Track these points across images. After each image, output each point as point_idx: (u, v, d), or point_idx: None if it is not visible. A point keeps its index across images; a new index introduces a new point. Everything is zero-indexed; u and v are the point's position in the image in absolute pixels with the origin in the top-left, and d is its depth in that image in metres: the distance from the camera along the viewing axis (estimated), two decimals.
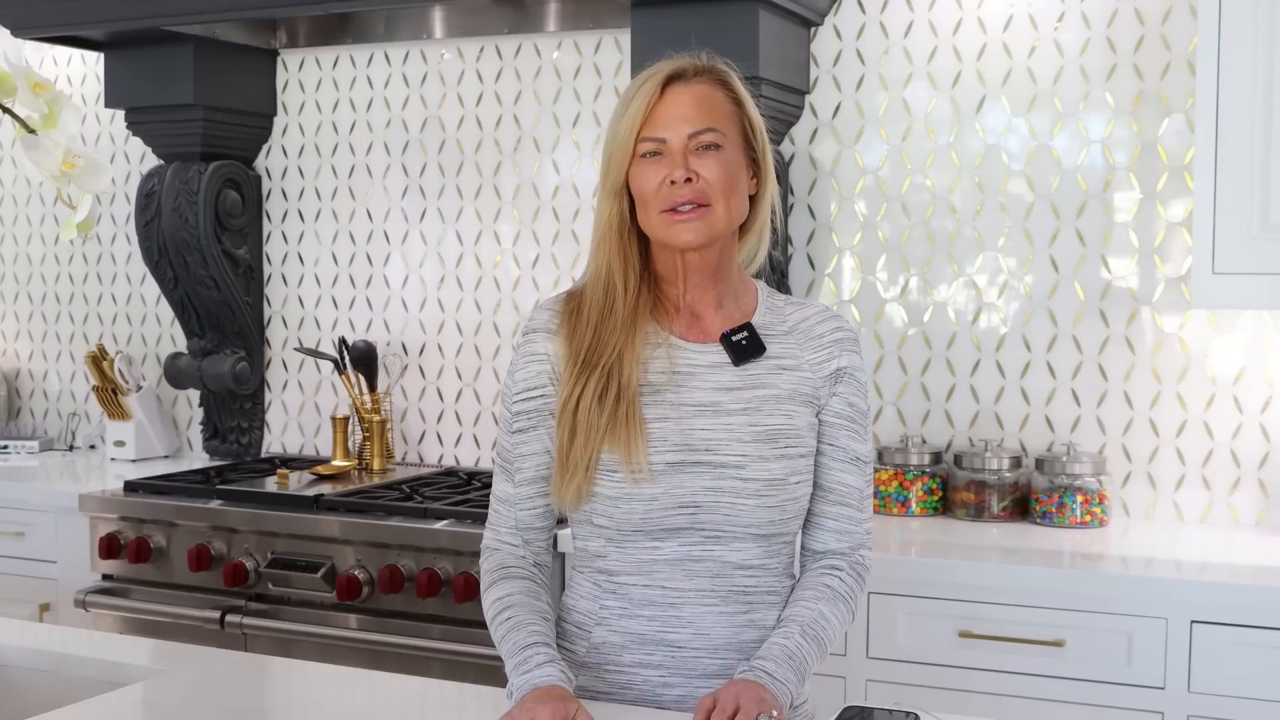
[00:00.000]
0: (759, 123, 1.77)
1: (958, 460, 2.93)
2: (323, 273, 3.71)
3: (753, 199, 1.78)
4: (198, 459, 3.80)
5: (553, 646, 1.68)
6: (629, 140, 1.71)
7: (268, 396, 3.78)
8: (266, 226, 3.77)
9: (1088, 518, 2.79)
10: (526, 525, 1.80)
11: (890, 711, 1.58)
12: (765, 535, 1.73)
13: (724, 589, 1.73)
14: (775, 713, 1.55)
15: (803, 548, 1.84)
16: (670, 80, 1.72)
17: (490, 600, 1.76)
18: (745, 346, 1.76)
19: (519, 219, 3.46)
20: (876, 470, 2.97)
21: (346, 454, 3.48)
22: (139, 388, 3.80)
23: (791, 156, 3.16)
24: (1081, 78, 2.91)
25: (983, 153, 3.00)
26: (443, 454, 3.57)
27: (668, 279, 1.78)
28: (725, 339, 1.76)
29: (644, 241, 1.76)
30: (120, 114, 3.85)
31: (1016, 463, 2.90)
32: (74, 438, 4.06)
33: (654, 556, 1.72)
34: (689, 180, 1.69)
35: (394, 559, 2.84)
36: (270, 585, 2.97)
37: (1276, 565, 2.48)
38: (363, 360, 3.49)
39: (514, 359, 1.81)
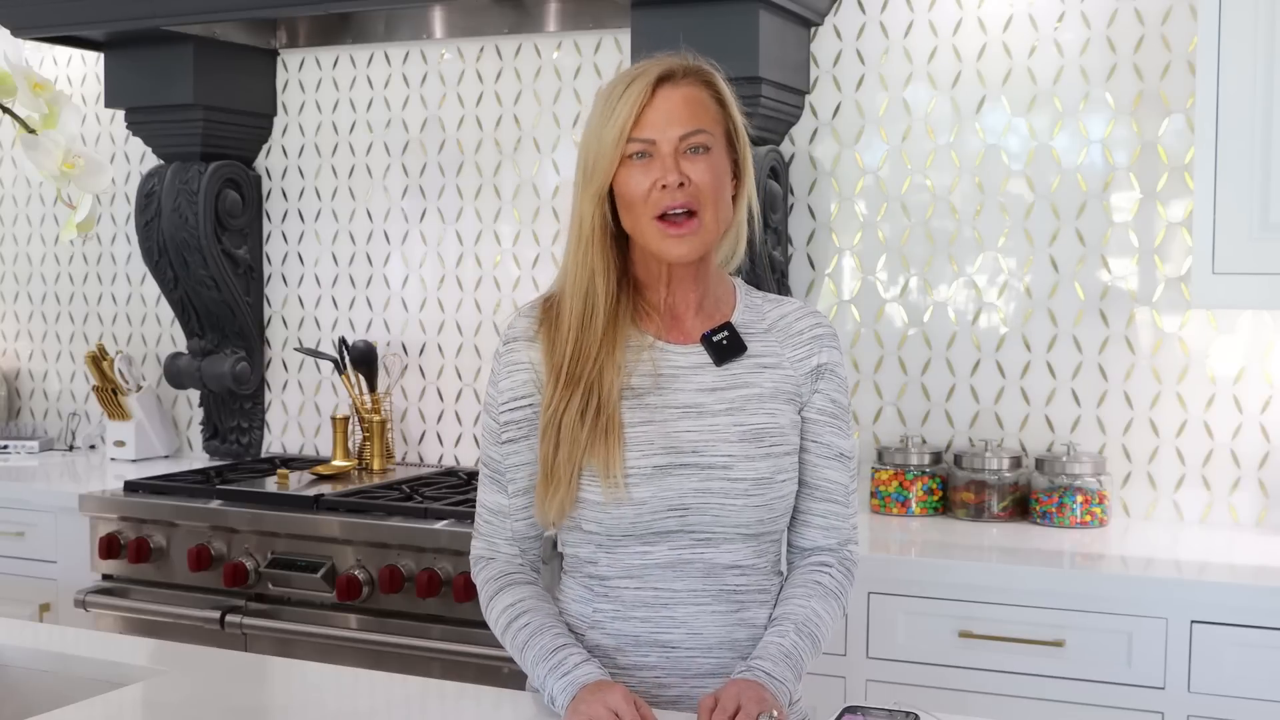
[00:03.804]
0: (742, 125, 1.75)
1: (958, 460, 2.93)
2: (323, 273, 3.71)
3: (732, 199, 1.76)
4: (198, 459, 3.80)
5: (582, 647, 1.69)
6: (618, 142, 1.67)
7: (268, 396, 3.78)
8: (266, 226, 3.77)
9: (1088, 518, 2.79)
10: (522, 535, 1.80)
11: (890, 711, 1.58)
12: (754, 535, 1.73)
13: (715, 589, 1.73)
14: (776, 712, 1.55)
15: (790, 545, 1.84)
16: (659, 81, 1.69)
17: (500, 607, 1.75)
18: (726, 346, 1.75)
19: (519, 219, 3.46)
20: (876, 470, 2.97)
21: (346, 454, 3.48)
22: (139, 388, 3.80)
23: (791, 156, 3.16)
24: (1081, 78, 2.91)
25: (983, 153, 3.00)
26: (443, 454, 3.58)
27: (649, 283, 1.76)
28: (706, 339, 1.76)
29: (621, 246, 1.74)
30: (120, 114, 3.85)
31: (1016, 463, 2.90)
32: (74, 438, 4.06)
33: (645, 561, 1.72)
34: (681, 185, 1.66)
35: (394, 559, 2.84)
36: (270, 585, 2.97)
37: (1276, 565, 2.48)
38: (363, 360, 3.49)
39: (495, 369, 1.79)
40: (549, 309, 1.77)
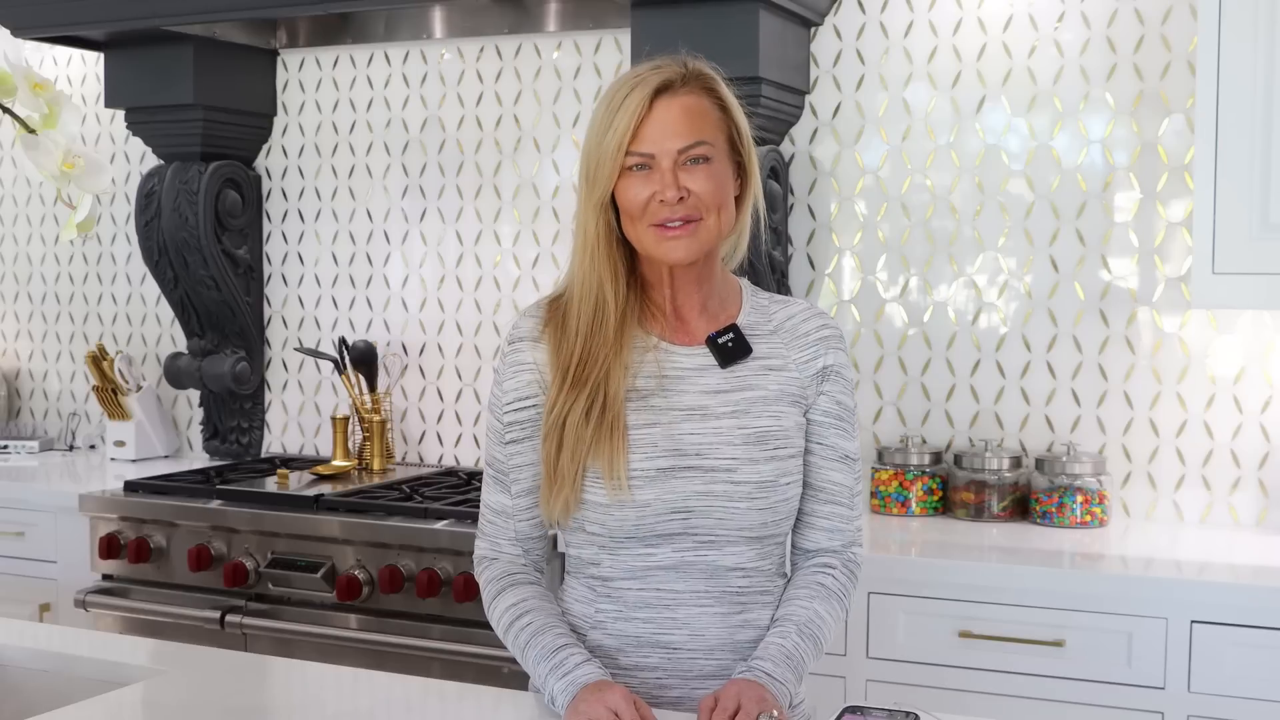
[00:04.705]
0: (745, 127, 1.75)
1: (958, 460, 2.93)
2: (323, 273, 3.71)
3: (736, 199, 1.76)
4: (198, 459, 3.80)
5: (583, 648, 1.69)
6: (617, 154, 1.67)
7: (268, 396, 3.78)
8: (266, 226, 3.77)
9: (1088, 518, 2.79)
10: (526, 535, 1.81)
11: (890, 711, 1.58)
12: (758, 538, 1.73)
13: (718, 590, 1.73)
14: (776, 712, 1.55)
15: (794, 547, 1.84)
16: (657, 92, 1.68)
17: (503, 607, 1.76)
18: (731, 348, 1.75)
19: (519, 219, 3.46)
20: (876, 470, 2.97)
21: (346, 454, 3.48)
22: (139, 388, 3.80)
23: (791, 156, 3.16)
24: (1081, 78, 2.91)
25: (983, 153, 3.00)
26: (443, 454, 3.58)
27: (654, 285, 1.76)
28: (711, 341, 1.76)
29: (629, 248, 1.74)
30: (120, 114, 3.85)
31: (1016, 463, 2.89)
32: (74, 438, 4.06)
33: (648, 562, 1.72)
34: (681, 199, 1.67)
35: (394, 559, 2.84)
36: (270, 585, 2.97)
37: (1276, 565, 2.48)
38: (363, 360, 3.49)
39: (500, 369, 1.79)
40: (555, 309, 1.77)
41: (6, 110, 1.58)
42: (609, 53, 3.33)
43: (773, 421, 1.73)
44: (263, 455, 3.75)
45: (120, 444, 3.77)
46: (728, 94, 1.74)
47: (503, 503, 1.80)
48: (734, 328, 1.77)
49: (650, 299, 1.77)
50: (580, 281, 1.73)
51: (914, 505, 2.94)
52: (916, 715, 1.56)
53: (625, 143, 1.67)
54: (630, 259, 1.75)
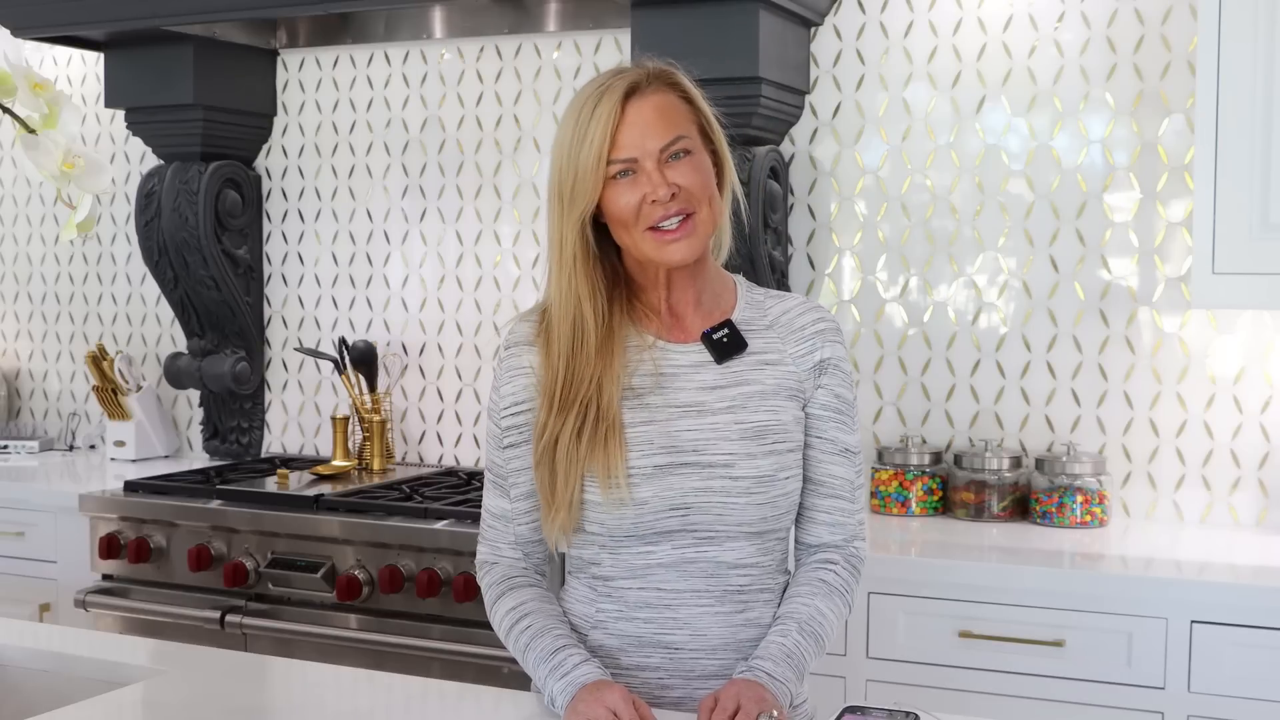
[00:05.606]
0: (712, 115, 1.75)
1: (958, 460, 2.93)
2: (323, 273, 3.71)
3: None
4: (198, 459, 3.80)
5: (583, 648, 1.69)
6: (598, 165, 1.66)
7: (268, 396, 3.78)
8: (266, 226, 3.77)
9: (1088, 518, 2.79)
10: (526, 539, 1.81)
11: (890, 711, 1.58)
12: (758, 533, 1.73)
13: (719, 589, 1.73)
14: (776, 712, 1.55)
15: (796, 542, 1.83)
16: (627, 96, 1.68)
17: (503, 611, 1.76)
18: (726, 344, 1.75)
19: (519, 219, 3.46)
20: (876, 470, 2.97)
21: (346, 454, 3.48)
22: (139, 388, 3.80)
23: (791, 156, 3.16)
24: (1081, 78, 2.91)
25: (983, 153, 3.00)
26: (443, 454, 3.58)
27: (646, 287, 1.76)
28: (706, 337, 1.75)
29: (610, 256, 1.74)
30: (120, 114, 3.85)
31: (1016, 463, 2.90)
32: (74, 438, 4.06)
33: (648, 560, 1.72)
34: (673, 196, 1.66)
35: (394, 559, 2.84)
36: (270, 585, 2.97)
37: (1276, 565, 2.48)
38: (363, 360, 3.49)
39: (497, 373, 1.79)
40: (545, 317, 1.76)
41: (6, 110, 1.58)
42: (609, 53, 3.33)
43: (770, 416, 1.73)
44: (263, 455, 3.75)
45: (120, 444, 3.77)
46: (690, 86, 1.74)
47: (502, 507, 1.80)
48: (729, 323, 1.77)
49: (643, 301, 1.77)
50: (558, 303, 1.72)
51: (914, 505, 2.94)
52: (916, 715, 1.56)
53: (605, 152, 1.66)
54: (612, 271, 1.74)
